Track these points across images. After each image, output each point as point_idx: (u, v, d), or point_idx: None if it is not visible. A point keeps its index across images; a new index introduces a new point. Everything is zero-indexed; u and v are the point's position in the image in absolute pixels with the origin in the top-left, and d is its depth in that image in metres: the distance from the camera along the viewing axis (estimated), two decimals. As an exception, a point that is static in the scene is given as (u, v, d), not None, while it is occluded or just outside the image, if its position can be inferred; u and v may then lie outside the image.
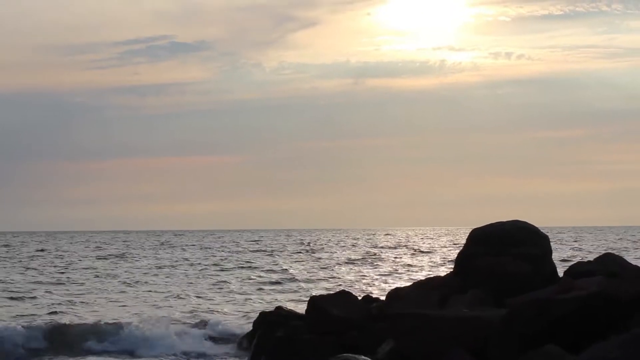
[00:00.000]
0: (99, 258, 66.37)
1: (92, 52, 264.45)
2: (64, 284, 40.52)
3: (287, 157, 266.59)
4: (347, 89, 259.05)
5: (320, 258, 62.90)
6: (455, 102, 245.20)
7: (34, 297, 33.66)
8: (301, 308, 21.18)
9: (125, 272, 48.81)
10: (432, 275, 23.09)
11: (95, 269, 52.06)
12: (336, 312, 18.65)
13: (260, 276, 44.31)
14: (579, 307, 14.50)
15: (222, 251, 77.48)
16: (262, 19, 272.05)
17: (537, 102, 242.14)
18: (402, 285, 22.28)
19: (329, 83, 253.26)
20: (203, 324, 24.26)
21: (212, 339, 22.66)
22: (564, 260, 45.53)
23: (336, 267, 52.03)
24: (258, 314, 21.09)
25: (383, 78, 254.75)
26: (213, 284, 39.58)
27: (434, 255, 64.68)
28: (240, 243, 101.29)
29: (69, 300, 32.46)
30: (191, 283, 40.46)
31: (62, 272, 48.31)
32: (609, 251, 25.53)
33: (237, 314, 28.03)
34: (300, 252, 73.43)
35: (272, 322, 19.68)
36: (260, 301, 31.91)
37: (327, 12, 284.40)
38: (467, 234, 19.45)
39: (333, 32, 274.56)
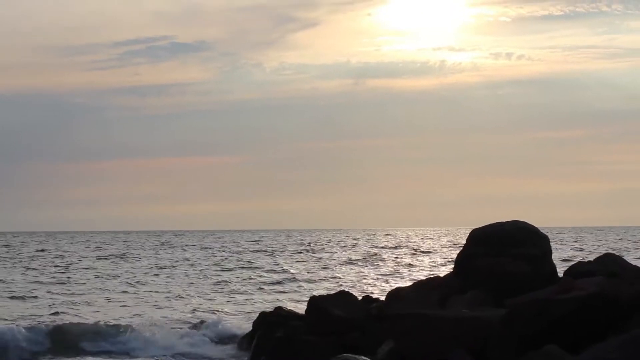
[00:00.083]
0: (99, 258, 66.40)
1: (92, 53, 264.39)
2: (64, 284, 40.52)
3: (288, 158, 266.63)
4: (347, 90, 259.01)
5: (320, 258, 62.91)
6: (456, 103, 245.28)
7: (35, 298, 33.67)
8: (301, 308, 21.20)
9: (126, 272, 48.83)
10: (432, 276, 23.08)
11: (95, 269, 52.08)
12: (336, 312, 18.66)
13: (260, 276, 44.33)
14: (579, 308, 14.51)
15: (223, 251, 77.49)
16: (263, 20, 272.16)
17: (537, 103, 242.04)
18: (402, 286, 22.29)
19: (329, 83, 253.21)
20: (203, 324, 24.26)
21: (212, 339, 22.65)
22: (564, 260, 45.54)
23: (337, 267, 52.05)
24: (258, 314, 21.09)
25: (383, 78, 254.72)
26: (213, 284, 39.59)
27: (434, 256, 64.69)
28: (240, 243, 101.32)
29: (69, 301, 32.47)
30: (192, 283, 40.48)
31: (63, 273, 48.33)
32: (609, 251, 25.53)
33: (237, 314, 28.04)
34: (300, 252, 73.45)
35: (272, 322, 19.69)
36: (261, 301, 31.92)
37: (328, 12, 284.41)
38: (467, 235, 19.47)
39: (333, 32, 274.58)
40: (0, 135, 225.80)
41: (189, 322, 25.30)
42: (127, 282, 41.03)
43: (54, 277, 44.42)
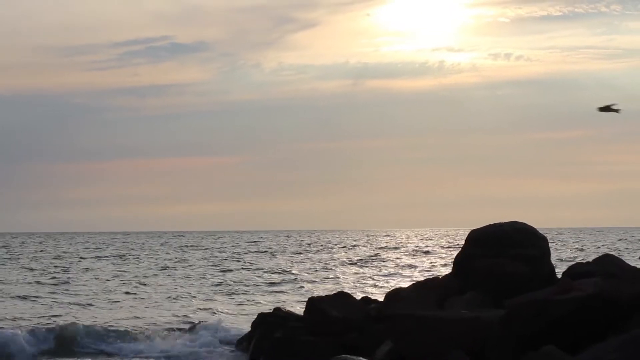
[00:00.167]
0: (98, 259, 66.38)
1: (91, 53, 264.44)
2: (63, 285, 40.51)
3: (287, 158, 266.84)
4: (346, 90, 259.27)
5: (320, 259, 62.91)
6: (455, 103, 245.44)
7: (35, 299, 33.64)
8: (301, 309, 21.21)
9: (125, 273, 48.81)
10: (431, 277, 23.09)
11: (95, 270, 52.07)
12: (335, 313, 18.68)
13: (260, 276, 44.35)
14: (577, 308, 14.51)
15: (222, 252, 77.49)
16: (262, 20, 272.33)
17: (536, 103, 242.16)
18: (401, 286, 22.30)
19: (328, 84, 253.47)
20: (202, 325, 24.27)
21: (212, 340, 22.66)
22: (563, 261, 45.56)
23: (336, 268, 52.04)
24: (257, 315, 21.10)
25: (382, 79, 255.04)
26: (213, 285, 39.60)
27: (433, 256, 64.70)
28: (240, 244, 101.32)
29: (69, 302, 32.46)
30: (191, 284, 40.48)
31: (62, 274, 48.30)
32: (608, 252, 25.55)
33: (236, 314, 28.06)
34: (300, 253, 73.45)
35: (271, 323, 19.71)
36: (260, 302, 31.92)
37: (327, 13, 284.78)
38: (466, 235, 19.47)
39: (332, 33, 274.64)
40: (0, 135, 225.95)
41: (189, 323, 25.32)
42: (127, 283, 41.02)
43: (53, 278, 44.41)
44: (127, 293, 36.14)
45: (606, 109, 15.00)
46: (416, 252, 73.18)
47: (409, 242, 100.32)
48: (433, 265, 52.77)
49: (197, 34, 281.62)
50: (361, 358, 15.26)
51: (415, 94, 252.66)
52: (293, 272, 47.88)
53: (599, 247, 76.56)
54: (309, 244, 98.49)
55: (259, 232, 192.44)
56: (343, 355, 16.32)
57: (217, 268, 52.65)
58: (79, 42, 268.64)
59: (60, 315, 28.06)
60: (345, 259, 62.11)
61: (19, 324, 25.71)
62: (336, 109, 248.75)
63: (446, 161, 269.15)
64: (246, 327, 22.18)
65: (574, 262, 21.48)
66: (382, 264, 55.96)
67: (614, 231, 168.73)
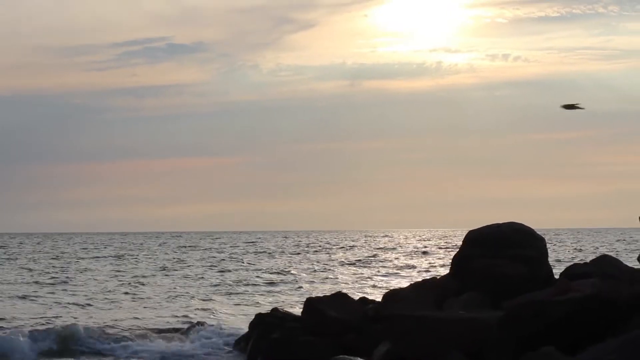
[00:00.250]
0: (97, 259, 66.38)
1: (89, 54, 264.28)
2: (62, 285, 40.51)
3: (285, 159, 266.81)
4: (344, 91, 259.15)
5: (318, 260, 62.92)
6: (452, 104, 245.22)
7: (33, 300, 33.64)
8: (299, 309, 21.21)
9: (124, 273, 48.81)
10: (429, 277, 23.09)
11: (93, 270, 52.06)
12: (332, 313, 18.68)
13: (258, 277, 44.35)
14: (575, 309, 14.51)
15: (220, 252, 77.50)
16: (260, 21, 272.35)
17: (533, 104, 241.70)
18: (400, 287, 22.30)
19: (326, 85, 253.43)
20: (200, 325, 24.27)
21: (209, 340, 22.65)
22: (561, 262, 45.58)
23: (334, 268, 52.05)
24: (254, 316, 21.10)
25: (380, 80, 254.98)
26: (211, 285, 39.60)
27: (430, 257, 64.71)
28: (238, 244, 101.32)
29: (68, 303, 32.45)
30: (189, 284, 40.48)
31: (60, 274, 48.30)
32: (607, 253, 25.56)
33: (235, 315, 28.05)
34: (298, 254, 73.46)
35: (269, 323, 19.70)
36: (258, 302, 31.92)
37: (324, 14, 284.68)
38: (464, 236, 19.49)
39: (330, 34, 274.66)
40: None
41: (187, 324, 25.32)
42: (125, 284, 41.03)
43: (52, 279, 44.41)
44: (125, 293, 36.13)
45: (570, 106, 15.20)
46: (414, 252, 73.20)
47: (407, 243, 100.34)
48: (431, 266, 52.79)
49: (195, 34, 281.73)
50: (359, 358, 15.29)
51: (412, 94, 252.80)
52: (291, 272, 47.89)
53: (597, 248, 76.60)
54: (307, 245, 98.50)
55: (256, 233, 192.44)
56: (341, 356, 16.35)
57: (216, 268, 52.64)
58: (78, 42, 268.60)
59: (59, 316, 28.04)
60: (343, 260, 62.12)
61: (18, 324, 25.70)
62: (334, 109, 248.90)
63: (444, 162, 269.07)
64: (244, 328, 22.18)
65: (571, 263, 21.50)
66: (381, 264, 55.97)
67: (612, 232, 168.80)
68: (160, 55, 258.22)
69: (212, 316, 27.56)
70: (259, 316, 20.75)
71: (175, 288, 38.40)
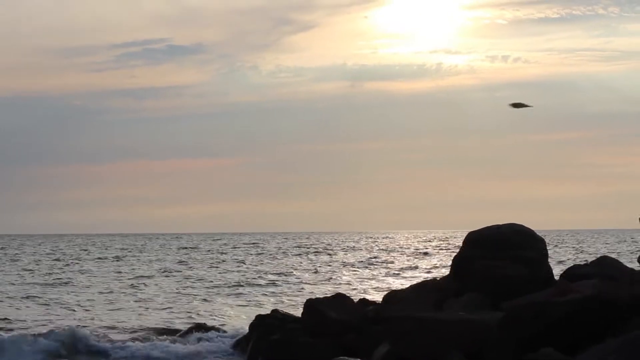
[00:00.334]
0: (98, 261, 66.41)
1: (89, 55, 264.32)
2: (63, 286, 40.56)
3: (285, 160, 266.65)
4: (344, 92, 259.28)
5: (319, 261, 62.96)
6: (452, 105, 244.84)
7: (34, 301, 33.69)
8: (300, 311, 21.24)
9: (125, 274, 48.86)
10: (429, 278, 23.13)
11: (94, 271, 52.10)
12: (332, 314, 18.71)
13: (259, 278, 44.39)
14: (575, 310, 14.53)
15: (221, 253, 77.54)
16: (259, 22, 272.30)
17: (533, 105, 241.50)
18: (400, 288, 22.33)
19: (326, 86, 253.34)
20: (201, 326, 24.30)
21: (210, 342, 22.68)
22: (561, 263, 45.61)
23: (335, 269, 52.09)
24: (255, 317, 21.13)
25: (380, 81, 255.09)
26: (212, 286, 39.63)
27: (431, 258, 64.75)
28: (238, 246, 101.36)
29: (69, 304, 32.49)
30: (190, 285, 40.51)
31: (61, 275, 48.34)
32: (607, 254, 25.59)
33: (236, 316, 28.09)
34: (299, 255, 73.50)
35: (269, 324, 19.72)
36: (259, 303, 31.96)
37: (324, 15, 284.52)
38: (464, 237, 19.52)
39: (330, 35, 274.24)
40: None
41: (188, 324, 25.35)
42: (126, 285, 41.07)
43: (52, 280, 44.44)
44: (126, 294, 36.18)
45: (519, 105, 15.37)
46: (415, 253, 73.23)
47: (407, 244, 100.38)
48: (432, 267, 52.83)
49: (194, 35, 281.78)
50: (359, 360, 15.32)
51: (412, 95, 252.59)
52: (292, 273, 47.93)
53: (597, 249, 76.62)
54: (308, 246, 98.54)
55: (256, 234, 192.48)
56: (341, 357, 16.38)
57: (217, 269, 52.69)
58: (77, 43, 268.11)
59: (59, 317, 28.09)
60: (344, 261, 62.16)
61: (20, 325, 25.75)
62: (334, 110, 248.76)
63: (444, 163, 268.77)
64: (245, 329, 22.22)
65: (572, 264, 21.53)
66: (381, 265, 56.02)
67: (612, 233, 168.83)
68: (159, 57, 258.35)
69: (212, 317, 27.59)
70: (259, 317, 20.77)
71: (176, 289, 38.44)
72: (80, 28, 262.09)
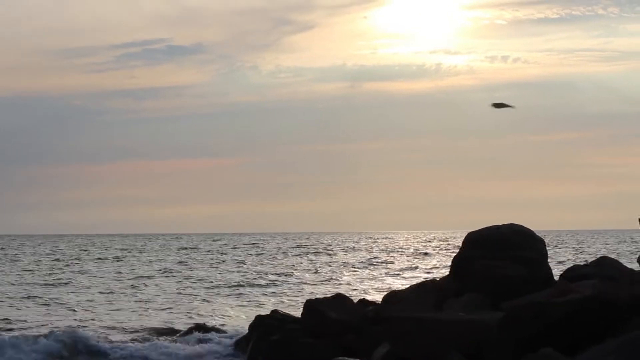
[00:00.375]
0: (98, 261, 66.41)
1: (89, 56, 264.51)
2: (63, 287, 40.56)
3: (284, 161, 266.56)
4: (343, 93, 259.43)
5: (319, 261, 62.96)
6: (452, 105, 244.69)
7: (34, 301, 33.69)
8: (299, 311, 21.26)
9: (125, 275, 48.86)
10: (429, 278, 23.16)
11: (94, 271, 52.09)
12: (332, 315, 18.72)
13: (259, 278, 44.39)
14: (575, 311, 14.54)
15: (221, 254, 77.55)
16: (259, 22, 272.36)
17: (533, 106, 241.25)
18: (400, 288, 22.34)
19: (325, 86, 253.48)
20: (201, 326, 24.31)
21: (209, 342, 22.69)
22: (560, 263, 45.61)
23: (335, 270, 52.10)
24: (254, 317, 21.15)
25: (380, 81, 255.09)
26: (211, 287, 39.63)
27: (430, 259, 64.76)
28: (238, 246, 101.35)
29: (69, 304, 32.49)
30: (190, 286, 40.52)
31: (61, 275, 48.34)
32: (606, 254, 25.60)
33: (236, 316, 28.10)
34: (299, 255, 73.51)
35: (269, 325, 19.73)
36: (259, 304, 31.96)
37: (324, 15, 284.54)
38: (464, 237, 19.53)
39: (330, 35, 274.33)
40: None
41: (188, 325, 25.36)
42: (126, 285, 41.07)
43: (52, 280, 44.44)
44: (126, 295, 36.18)
45: (500, 105, 15.41)
46: (415, 254, 73.25)
47: (407, 244, 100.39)
48: (432, 267, 52.84)
49: (194, 36, 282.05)
50: (358, 360, 15.32)
51: (412, 96, 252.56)
52: (292, 273, 47.94)
53: (597, 250, 76.63)
54: (308, 246, 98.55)
55: (256, 234, 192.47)
56: (341, 357, 16.40)
57: (217, 270, 52.69)
58: (76, 44, 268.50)
59: (59, 317, 28.10)
60: (344, 261, 62.18)
61: (20, 326, 25.75)
62: (334, 111, 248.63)
63: (444, 163, 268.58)
64: (245, 329, 22.23)
65: (571, 265, 21.54)
66: (381, 265, 56.03)
67: (612, 233, 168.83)
68: (159, 57, 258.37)
69: (212, 317, 27.60)
70: (258, 318, 20.78)
71: (176, 289, 38.44)
72: (80, 28, 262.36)
